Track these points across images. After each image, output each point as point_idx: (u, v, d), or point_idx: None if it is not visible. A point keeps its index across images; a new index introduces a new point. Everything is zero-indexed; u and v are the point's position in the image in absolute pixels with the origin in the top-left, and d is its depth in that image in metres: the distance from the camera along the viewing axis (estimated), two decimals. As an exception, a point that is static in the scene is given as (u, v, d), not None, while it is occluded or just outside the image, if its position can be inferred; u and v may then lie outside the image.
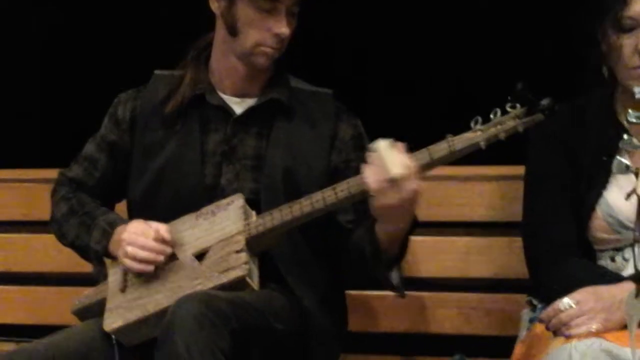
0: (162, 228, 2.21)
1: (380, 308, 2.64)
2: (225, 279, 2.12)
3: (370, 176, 2.02)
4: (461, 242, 2.63)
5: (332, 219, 2.26)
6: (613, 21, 2.11)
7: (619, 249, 2.16)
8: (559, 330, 1.97)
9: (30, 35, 3.23)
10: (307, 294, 2.27)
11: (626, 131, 2.12)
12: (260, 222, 2.18)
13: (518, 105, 2.02)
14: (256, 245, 2.18)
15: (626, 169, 1.76)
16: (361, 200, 2.11)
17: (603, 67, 2.18)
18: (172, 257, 2.22)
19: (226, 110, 2.35)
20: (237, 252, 2.14)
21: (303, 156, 2.31)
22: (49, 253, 2.85)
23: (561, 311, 1.97)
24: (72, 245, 2.39)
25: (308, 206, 2.14)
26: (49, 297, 2.88)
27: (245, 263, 2.12)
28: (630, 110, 1.78)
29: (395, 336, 2.67)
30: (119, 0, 3.12)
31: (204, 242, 2.21)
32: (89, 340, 2.21)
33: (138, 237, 2.20)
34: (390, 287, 2.17)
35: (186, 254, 2.21)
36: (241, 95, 2.36)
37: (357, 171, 2.08)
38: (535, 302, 2.24)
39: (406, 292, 2.19)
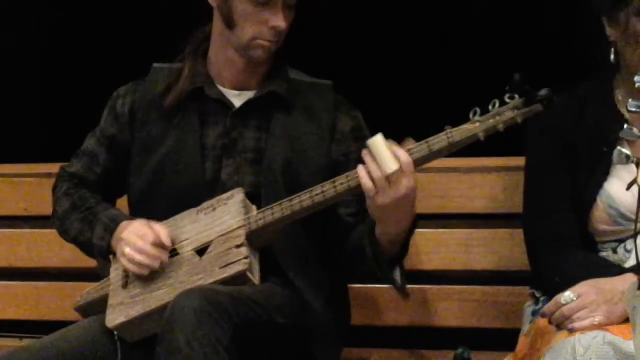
0: (162, 233, 2.20)
1: (382, 302, 2.63)
2: (226, 273, 2.12)
3: (365, 175, 2.01)
4: (463, 234, 2.62)
5: (333, 212, 2.26)
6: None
7: (620, 241, 2.15)
8: (561, 323, 1.96)
9: (30, 31, 3.23)
10: (308, 288, 2.27)
11: (625, 121, 2.12)
12: (261, 216, 2.18)
13: (516, 96, 2.02)
14: (256, 240, 2.18)
15: (627, 159, 1.75)
16: (362, 192, 2.10)
17: (611, 54, 2.16)
18: (173, 253, 2.22)
19: (225, 103, 2.34)
20: (238, 246, 2.14)
21: (303, 148, 2.31)
22: (50, 248, 2.85)
23: (563, 305, 1.97)
24: (74, 241, 2.40)
25: (308, 200, 2.13)
26: (51, 293, 2.88)
27: (246, 257, 2.12)
28: (630, 99, 1.77)
29: (397, 329, 2.66)
30: (116, -6, 3.12)
31: (204, 237, 2.21)
32: (91, 336, 2.21)
33: (137, 239, 2.19)
34: (393, 287, 2.16)
35: (187, 249, 2.21)
36: (240, 87, 2.35)
37: (357, 163, 2.08)
38: (537, 294, 2.24)
39: (409, 290, 2.18)
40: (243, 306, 2.06)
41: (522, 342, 2.13)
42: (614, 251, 2.16)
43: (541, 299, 2.22)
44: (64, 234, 2.42)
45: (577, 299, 1.97)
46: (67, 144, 2.51)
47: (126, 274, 2.25)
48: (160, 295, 2.16)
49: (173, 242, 2.23)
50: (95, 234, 2.31)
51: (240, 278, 2.11)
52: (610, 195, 2.13)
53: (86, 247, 2.37)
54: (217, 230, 2.20)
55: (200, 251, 2.19)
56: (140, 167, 2.35)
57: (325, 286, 2.30)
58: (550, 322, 1.99)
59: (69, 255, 2.72)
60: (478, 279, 2.62)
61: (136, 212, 2.36)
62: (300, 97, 2.34)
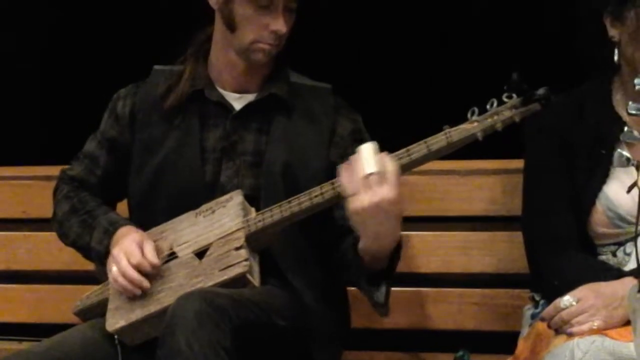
0: (149, 253, 2.18)
1: (382, 304, 2.63)
2: (226, 276, 2.12)
3: (345, 177, 2.02)
4: (462, 236, 2.62)
5: (328, 215, 2.26)
6: None
7: (620, 244, 2.15)
8: (560, 328, 1.96)
9: (30, 32, 3.23)
10: (308, 290, 2.27)
11: (624, 123, 2.12)
12: (260, 219, 2.18)
13: (514, 96, 2.02)
14: (256, 242, 2.18)
15: (627, 162, 1.75)
16: None
17: (615, 55, 2.15)
18: (172, 256, 2.22)
19: (225, 106, 2.34)
20: (237, 249, 2.14)
21: (302, 152, 2.31)
22: (49, 251, 2.84)
23: (562, 309, 1.97)
24: (73, 244, 2.39)
25: (307, 202, 2.14)
26: (50, 296, 2.87)
27: (246, 260, 2.12)
28: (630, 102, 1.77)
29: (397, 332, 2.66)
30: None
31: (204, 240, 2.21)
32: (91, 340, 2.21)
33: (122, 259, 2.18)
34: (373, 304, 2.16)
35: (186, 252, 2.21)
36: (240, 90, 2.35)
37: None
38: (537, 297, 2.23)
39: (390, 308, 2.18)
40: (243, 308, 2.06)
41: (522, 346, 2.13)
42: (614, 254, 2.16)
43: (540, 302, 2.21)
44: (63, 237, 2.42)
45: (576, 303, 1.96)
46: (68, 146, 2.50)
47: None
48: (161, 298, 2.16)
49: (172, 246, 2.23)
50: (94, 238, 2.31)
51: (240, 280, 2.11)
52: (609, 198, 2.13)
53: (85, 251, 2.37)
54: (217, 233, 2.20)
55: (200, 254, 2.19)
56: (141, 168, 2.35)
57: (325, 288, 2.30)
58: (549, 327, 1.99)
59: (69, 258, 2.71)
60: (477, 282, 2.61)
61: (136, 214, 2.37)
62: (300, 101, 2.35)
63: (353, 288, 2.51)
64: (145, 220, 2.31)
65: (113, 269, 2.19)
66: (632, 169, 1.72)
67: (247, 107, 2.34)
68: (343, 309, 2.40)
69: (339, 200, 2.15)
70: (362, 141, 2.26)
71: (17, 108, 3.23)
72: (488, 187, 2.60)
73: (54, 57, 3.21)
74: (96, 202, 2.39)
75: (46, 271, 2.88)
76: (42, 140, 3.19)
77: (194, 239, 2.22)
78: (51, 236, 2.53)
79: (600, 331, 1.91)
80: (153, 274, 2.18)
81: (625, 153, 1.78)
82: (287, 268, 2.27)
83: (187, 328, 1.96)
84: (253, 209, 2.22)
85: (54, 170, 2.51)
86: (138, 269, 2.17)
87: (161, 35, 2.86)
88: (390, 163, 2.00)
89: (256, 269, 2.16)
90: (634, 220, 2.04)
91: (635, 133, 1.75)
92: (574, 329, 1.93)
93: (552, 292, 2.05)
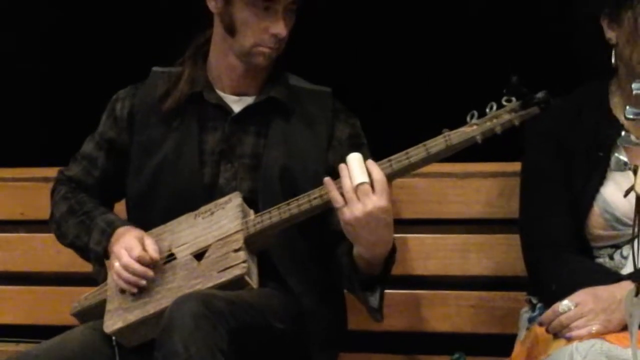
0: (150, 247, 2.19)
1: (379, 307, 2.63)
2: (224, 278, 2.12)
3: (334, 188, 2.02)
4: (459, 239, 2.62)
5: (325, 219, 2.25)
6: None
7: (617, 247, 2.15)
8: (559, 332, 1.96)
9: (30, 32, 3.22)
10: (306, 292, 2.27)
11: (621, 126, 2.12)
12: (259, 220, 2.18)
13: (514, 99, 2.03)
14: (254, 244, 2.18)
15: (624, 166, 1.75)
16: None
17: (612, 57, 2.15)
18: (170, 257, 2.22)
19: (224, 108, 2.34)
20: (236, 251, 2.14)
21: (300, 155, 2.31)
22: (47, 252, 2.83)
23: (561, 313, 1.96)
24: (71, 245, 2.40)
25: (306, 204, 2.14)
26: (48, 297, 2.87)
27: (244, 262, 2.12)
28: (628, 107, 1.77)
29: (394, 335, 2.66)
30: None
31: (202, 242, 2.21)
32: (89, 342, 2.21)
33: (123, 254, 2.18)
34: (368, 309, 2.17)
35: (185, 253, 2.21)
36: (239, 93, 2.36)
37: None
38: (534, 300, 2.23)
39: (384, 314, 2.20)
40: (240, 311, 2.07)
41: (518, 349, 2.13)
42: (611, 257, 2.16)
43: (537, 305, 2.21)
44: (61, 237, 2.42)
45: (574, 307, 1.96)
46: (65, 147, 2.50)
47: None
48: (158, 300, 2.16)
49: (170, 247, 2.23)
50: (92, 239, 2.31)
51: (238, 282, 2.12)
52: (606, 200, 2.13)
53: (83, 252, 2.37)
54: (215, 235, 2.20)
55: (198, 256, 2.19)
56: (139, 170, 2.35)
57: (323, 291, 2.31)
58: (547, 331, 1.99)
59: (66, 259, 2.71)
60: (474, 285, 2.61)
61: (134, 215, 2.37)
62: (299, 104, 2.35)
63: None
64: (143, 221, 2.31)
65: (115, 265, 2.19)
66: (629, 173, 1.72)
67: (246, 110, 2.34)
68: (340, 311, 2.40)
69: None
70: (359, 145, 2.28)
71: (17, 108, 3.23)
72: (485, 189, 2.60)
73: (54, 57, 3.20)
74: (94, 203, 2.39)
75: (44, 273, 2.88)
76: (42, 141, 3.19)
77: (192, 241, 2.22)
78: (49, 238, 2.53)
79: (599, 335, 1.91)
80: (154, 271, 2.18)
81: (623, 157, 1.78)
82: (285, 271, 2.27)
83: (184, 330, 1.96)
84: (252, 211, 2.23)
85: (52, 172, 2.51)
86: (140, 261, 2.17)
87: (160, 36, 2.86)
88: (378, 172, 2.01)
89: (254, 270, 2.16)
90: (630, 222, 2.05)
91: (633, 137, 1.75)
92: (573, 334, 1.93)
93: (550, 296, 2.05)
